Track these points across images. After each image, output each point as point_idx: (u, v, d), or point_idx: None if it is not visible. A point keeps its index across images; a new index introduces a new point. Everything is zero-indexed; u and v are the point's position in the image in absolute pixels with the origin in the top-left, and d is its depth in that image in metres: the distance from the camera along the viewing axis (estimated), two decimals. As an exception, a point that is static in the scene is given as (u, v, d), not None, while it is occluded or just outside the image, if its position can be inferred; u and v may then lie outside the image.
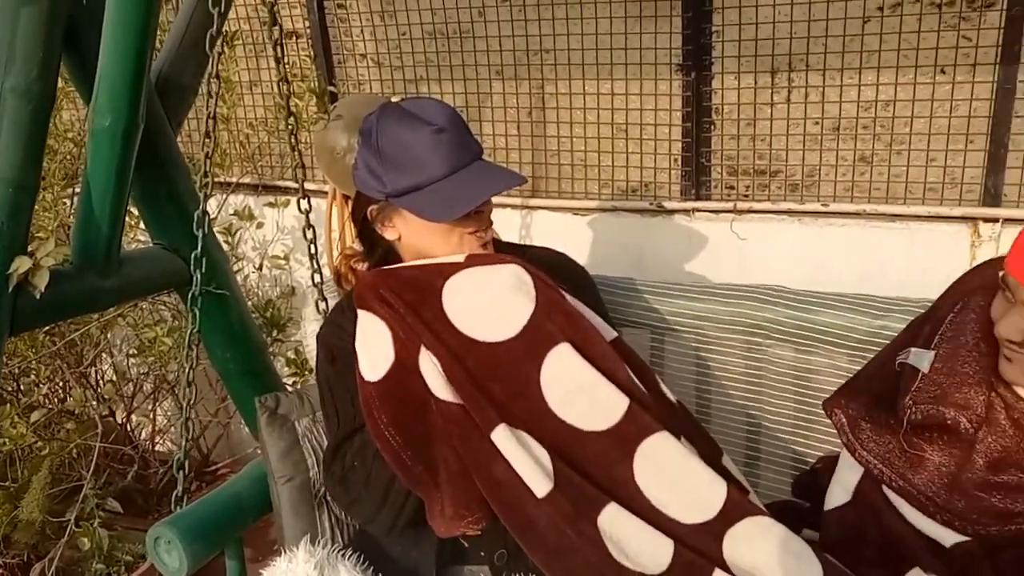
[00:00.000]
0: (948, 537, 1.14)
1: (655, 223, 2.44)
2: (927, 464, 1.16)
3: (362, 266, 1.56)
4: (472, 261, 1.37)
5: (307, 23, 2.82)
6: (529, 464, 1.22)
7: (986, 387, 1.15)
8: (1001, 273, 1.10)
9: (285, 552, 1.49)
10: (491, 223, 1.44)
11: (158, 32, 1.64)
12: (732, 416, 1.76)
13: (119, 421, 2.82)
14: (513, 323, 1.32)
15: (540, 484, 1.21)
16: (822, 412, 1.40)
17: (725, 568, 1.17)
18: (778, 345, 1.69)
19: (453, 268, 1.36)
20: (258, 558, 1.63)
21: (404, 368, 1.30)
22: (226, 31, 2.10)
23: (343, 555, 1.47)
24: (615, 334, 1.39)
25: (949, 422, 1.15)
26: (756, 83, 2.28)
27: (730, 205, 2.35)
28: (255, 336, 2.14)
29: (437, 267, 1.38)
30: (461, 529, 1.26)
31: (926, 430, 1.18)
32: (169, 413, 3.07)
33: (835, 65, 2.19)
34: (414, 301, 1.33)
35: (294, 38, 2.85)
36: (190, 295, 1.68)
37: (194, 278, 1.66)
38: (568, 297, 1.38)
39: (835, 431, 1.32)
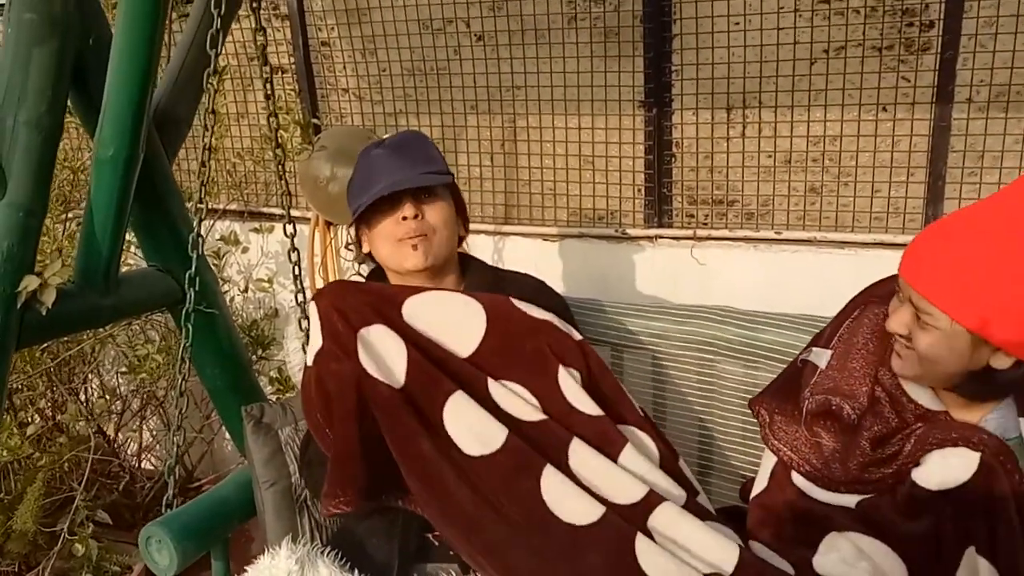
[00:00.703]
0: (853, 500, 1.28)
1: (620, 249, 2.59)
2: (824, 449, 1.30)
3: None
4: (418, 288, 1.51)
5: (292, 59, 2.96)
6: (475, 429, 1.33)
7: (871, 380, 1.29)
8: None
9: (268, 551, 1.61)
10: (422, 230, 1.54)
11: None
12: (687, 428, 1.89)
13: (108, 437, 2.91)
14: (463, 346, 1.44)
15: (485, 446, 1.32)
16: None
17: (647, 534, 1.27)
18: (728, 361, 1.82)
19: (414, 291, 1.49)
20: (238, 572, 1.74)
21: (332, 354, 1.40)
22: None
23: (322, 553, 1.58)
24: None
25: (835, 409, 1.29)
26: (713, 119, 2.44)
27: (690, 232, 2.50)
28: (242, 354, 2.25)
29: (398, 287, 1.53)
30: (332, 509, 1.34)
31: (822, 418, 1.32)
32: (155, 431, 3.17)
33: (786, 103, 2.35)
34: (370, 299, 1.45)
35: (280, 73, 2.98)
36: (184, 311, 1.79)
37: (188, 295, 1.77)
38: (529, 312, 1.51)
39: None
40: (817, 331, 1.58)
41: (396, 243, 1.54)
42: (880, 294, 1.38)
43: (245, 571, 1.58)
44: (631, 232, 2.57)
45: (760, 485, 1.41)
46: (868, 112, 2.26)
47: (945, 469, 1.21)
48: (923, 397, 1.28)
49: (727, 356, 1.82)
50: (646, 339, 1.90)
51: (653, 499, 1.31)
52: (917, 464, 1.23)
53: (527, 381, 1.43)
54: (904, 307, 1.22)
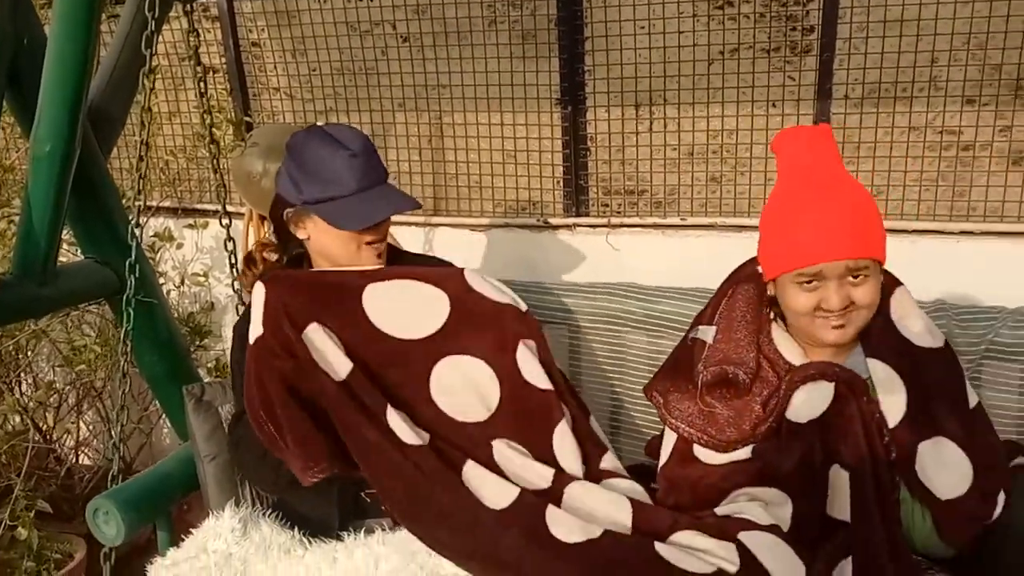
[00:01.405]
0: (745, 452, 1.47)
1: (542, 237, 2.76)
2: (718, 418, 1.48)
3: (273, 256, 1.81)
4: (393, 273, 1.66)
5: (224, 60, 3.05)
6: (406, 431, 1.49)
7: (755, 349, 1.48)
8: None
9: (212, 514, 1.72)
10: (386, 236, 1.71)
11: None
12: (599, 392, 2.07)
13: (44, 432, 2.96)
14: (424, 328, 1.60)
15: (412, 439, 1.49)
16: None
17: (557, 505, 1.45)
18: (633, 332, 2.02)
19: (376, 275, 1.64)
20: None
21: (273, 350, 1.53)
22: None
23: (264, 514, 1.70)
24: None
25: (731, 376, 1.47)
26: (623, 115, 2.62)
27: (605, 220, 2.69)
28: (180, 342, 2.35)
29: (360, 272, 1.65)
30: (310, 478, 1.48)
31: (716, 388, 1.49)
32: (92, 425, 3.22)
33: (688, 100, 2.54)
34: (324, 296, 1.59)
35: (212, 73, 3.07)
36: (124, 298, 1.89)
37: (128, 282, 1.87)
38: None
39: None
40: (707, 299, 1.78)
41: (356, 247, 1.65)
42: (746, 274, 1.58)
43: (191, 533, 1.70)
44: (552, 221, 2.74)
45: (663, 458, 1.58)
46: (760, 108, 2.47)
47: (809, 402, 1.41)
48: (796, 358, 1.48)
49: (633, 327, 2.01)
50: (560, 314, 2.08)
51: (565, 479, 1.49)
52: (788, 405, 1.43)
53: (488, 358, 1.60)
54: (831, 283, 1.37)
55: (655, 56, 2.53)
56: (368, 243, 1.66)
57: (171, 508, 1.93)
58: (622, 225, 2.67)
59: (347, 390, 1.52)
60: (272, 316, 1.55)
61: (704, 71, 2.50)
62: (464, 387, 1.59)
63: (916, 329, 1.45)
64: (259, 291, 1.57)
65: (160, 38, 3.15)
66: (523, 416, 1.57)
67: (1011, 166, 2.32)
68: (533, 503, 1.44)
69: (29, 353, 2.81)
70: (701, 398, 1.50)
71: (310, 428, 1.50)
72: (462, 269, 1.71)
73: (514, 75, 2.71)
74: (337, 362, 1.53)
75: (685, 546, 1.36)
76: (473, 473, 1.49)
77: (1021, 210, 2.33)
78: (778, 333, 1.50)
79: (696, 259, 2.56)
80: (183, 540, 1.68)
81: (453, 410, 1.57)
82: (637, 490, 1.52)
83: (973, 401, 1.47)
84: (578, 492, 1.48)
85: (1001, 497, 1.40)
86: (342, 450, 1.51)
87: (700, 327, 1.58)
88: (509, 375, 1.60)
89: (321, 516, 1.65)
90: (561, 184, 2.75)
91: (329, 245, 1.66)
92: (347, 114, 2.95)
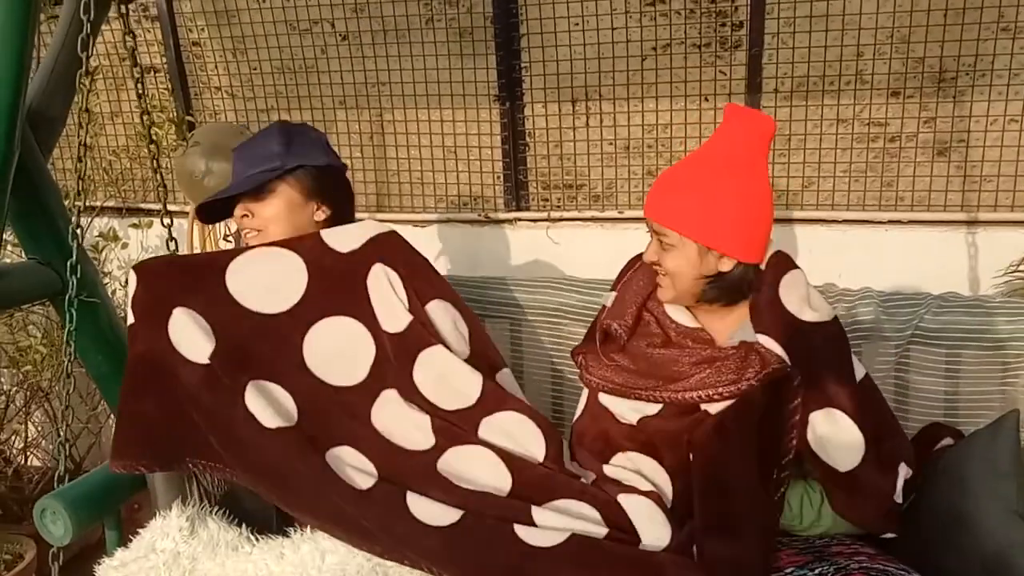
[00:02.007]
0: (648, 408, 1.56)
1: (484, 231, 2.81)
2: (621, 368, 1.59)
3: None
4: (250, 247, 1.70)
5: (164, 59, 3.05)
6: (268, 410, 1.52)
7: (637, 307, 1.61)
8: None
9: (159, 514, 1.74)
10: (261, 228, 1.73)
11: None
12: (541, 382, 2.13)
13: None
14: (287, 300, 1.64)
15: (272, 422, 1.52)
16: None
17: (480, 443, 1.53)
18: (573, 324, 2.07)
19: (239, 251, 1.69)
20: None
21: (138, 336, 1.61)
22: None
23: (211, 511, 1.73)
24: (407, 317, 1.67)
25: (612, 331, 1.61)
26: (560, 111, 2.68)
27: (545, 215, 2.75)
28: (125, 340, 2.35)
29: (228, 250, 1.72)
30: (118, 467, 1.55)
31: (606, 343, 1.63)
32: (40, 426, 3.21)
33: (623, 95, 2.61)
34: (187, 279, 1.63)
35: (153, 73, 3.07)
36: (67, 298, 1.90)
37: (70, 282, 1.88)
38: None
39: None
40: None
41: (244, 237, 1.74)
42: None
43: (138, 532, 1.72)
44: (493, 216, 2.79)
45: (577, 413, 1.69)
46: (692, 102, 2.55)
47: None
48: (681, 318, 1.59)
49: (572, 319, 2.06)
50: (503, 308, 2.13)
51: (447, 437, 1.56)
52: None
53: (350, 311, 1.65)
54: (652, 241, 1.53)
55: (590, 52, 2.59)
56: (246, 232, 1.74)
57: (119, 507, 1.94)
58: (561, 219, 2.73)
59: (211, 371, 1.56)
60: (139, 304, 1.60)
61: (638, 67, 2.56)
62: (337, 351, 1.63)
63: (803, 305, 1.54)
64: (131, 279, 1.63)
65: (100, 38, 3.16)
66: (397, 358, 1.62)
67: (936, 156, 2.42)
68: (389, 491, 1.49)
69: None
70: (603, 352, 1.62)
71: (130, 420, 1.57)
72: (318, 232, 1.73)
73: (452, 72, 2.75)
74: (198, 346, 1.57)
75: (562, 511, 1.45)
76: (334, 455, 1.54)
77: (946, 199, 2.43)
78: None
79: (634, 251, 2.55)
80: (131, 540, 1.70)
81: (330, 377, 1.61)
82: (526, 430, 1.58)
83: (860, 374, 1.55)
84: (456, 456, 1.54)
85: (903, 470, 1.48)
86: (198, 440, 1.55)
87: (607, 293, 1.73)
88: (372, 324, 1.65)
89: (263, 513, 1.69)
90: (502, 179, 2.81)
91: None
92: (288, 112, 2.97)
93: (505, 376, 1.72)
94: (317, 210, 1.78)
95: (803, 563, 1.39)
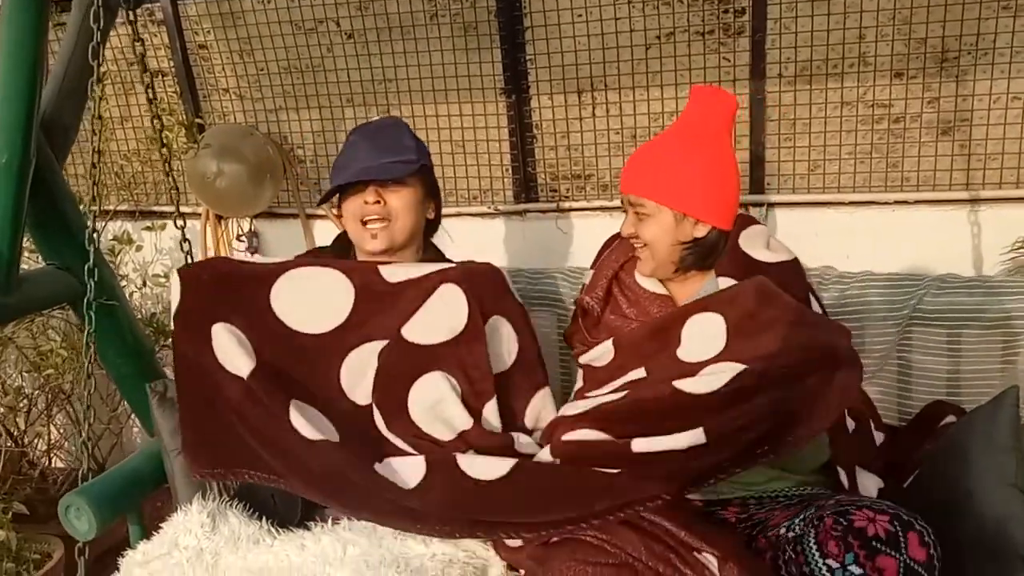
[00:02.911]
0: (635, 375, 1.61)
1: (494, 224, 2.83)
2: (599, 342, 1.67)
3: None
4: (305, 262, 1.73)
5: (171, 63, 3.08)
6: (310, 426, 1.56)
7: (607, 280, 1.71)
8: None
9: (181, 508, 1.78)
10: (385, 218, 1.72)
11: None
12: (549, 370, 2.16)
13: (15, 436, 3.00)
14: (331, 321, 1.66)
15: (315, 435, 1.55)
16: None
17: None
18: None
19: (289, 265, 1.71)
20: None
21: (179, 336, 1.67)
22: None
23: (231, 505, 1.76)
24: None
25: (586, 306, 1.71)
26: (566, 102, 2.69)
27: (554, 205, 2.77)
28: (144, 342, 2.38)
29: (277, 263, 1.72)
30: (199, 475, 1.63)
31: (584, 318, 1.74)
32: (62, 428, 3.26)
33: (628, 84, 2.62)
34: (231, 293, 1.67)
35: (161, 76, 3.10)
36: (85, 302, 1.93)
37: (88, 286, 1.91)
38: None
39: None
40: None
41: (360, 225, 1.72)
42: None
43: (160, 527, 1.75)
44: (502, 208, 2.81)
45: (575, 388, 1.77)
46: (697, 89, 2.56)
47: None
48: (650, 285, 1.68)
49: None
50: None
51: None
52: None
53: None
54: (628, 215, 1.61)
55: (594, 43, 2.60)
56: (364, 223, 1.72)
57: (141, 501, 1.98)
58: (570, 209, 2.75)
59: (251, 388, 1.59)
60: (183, 316, 1.65)
61: (642, 56, 2.58)
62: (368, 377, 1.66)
63: (761, 249, 1.65)
64: (175, 285, 1.68)
65: (108, 44, 3.19)
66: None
67: (940, 136, 2.43)
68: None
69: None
70: (587, 329, 1.73)
71: (193, 428, 1.64)
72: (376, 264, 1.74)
73: (458, 67, 2.77)
74: (239, 362, 1.60)
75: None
76: (387, 464, 1.57)
77: (951, 178, 2.44)
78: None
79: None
80: (154, 535, 1.73)
81: (367, 399, 1.65)
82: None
83: (817, 311, 1.66)
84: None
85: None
86: (250, 453, 1.59)
87: (586, 271, 1.82)
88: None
89: (287, 506, 1.72)
90: (510, 172, 2.82)
91: (347, 227, 1.78)
92: (296, 111, 3.00)
93: (540, 395, 1.72)
94: (429, 209, 1.83)
95: (792, 515, 1.43)
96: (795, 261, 1.67)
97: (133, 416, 3.22)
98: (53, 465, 3.27)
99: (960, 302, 1.82)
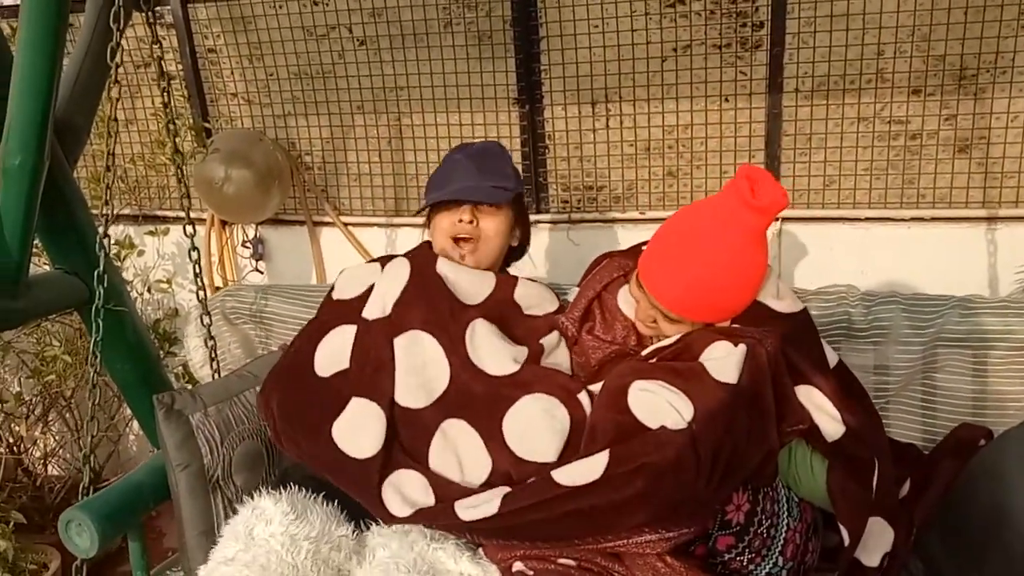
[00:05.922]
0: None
1: (504, 235, 2.80)
2: (588, 359, 1.68)
3: None
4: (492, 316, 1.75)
5: (180, 66, 3.05)
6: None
7: (587, 300, 1.72)
8: (635, 273, 1.60)
9: (264, 493, 1.65)
10: (474, 238, 1.78)
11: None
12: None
13: (11, 444, 2.95)
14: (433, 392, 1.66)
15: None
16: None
17: None
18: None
19: (478, 311, 1.73)
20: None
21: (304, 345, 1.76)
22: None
23: (314, 499, 1.65)
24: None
25: (561, 326, 1.73)
26: (580, 112, 2.67)
27: (565, 216, 2.75)
28: (150, 349, 2.35)
29: (473, 305, 1.75)
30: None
31: (569, 339, 1.74)
32: (59, 435, 3.21)
33: (643, 96, 2.60)
34: (439, 311, 1.70)
35: (169, 80, 3.06)
36: (93, 307, 1.90)
37: (97, 292, 1.88)
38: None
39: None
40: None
41: (450, 241, 1.77)
42: (619, 255, 1.81)
43: (236, 511, 1.66)
44: (513, 219, 2.78)
45: None
46: (712, 103, 2.54)
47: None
48: (628, 310, 1.69)
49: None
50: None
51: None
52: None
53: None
54: (642, 304, 1.60)
55: (609, 54, 2.58)
56: (455, 241, 1.77)
57: (143, 519, 1.94)
58: (582, 220, 2.73)
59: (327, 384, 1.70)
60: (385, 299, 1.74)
61: (658, 68, 2.56)
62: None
63: (771, 298, 1.61)
64: (403, 265, 1.77)
65: (116, 45, 3.16)
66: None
67: (957, 153, 2.41)
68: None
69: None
70: (576, 348, 1.73)
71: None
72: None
73: (471, 76, 2.74)
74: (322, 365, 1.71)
75: None
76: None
77: (968, 196, 2.42)
78: (624, 290, 1.70)
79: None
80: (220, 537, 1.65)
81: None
82: None
83: (833, 360, 1.60)
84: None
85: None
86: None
87: (571, 289, 1.84)
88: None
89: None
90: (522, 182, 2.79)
91: (435, 241, 1.82)
92: (306, 117, 2.97)
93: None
94: (515, 236, 1.88)
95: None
96: (804, 312, 1.63)
97: (131, 424, 3.19)
98: (49, 473, 3.21)
99: (986, 323, 1.80)
